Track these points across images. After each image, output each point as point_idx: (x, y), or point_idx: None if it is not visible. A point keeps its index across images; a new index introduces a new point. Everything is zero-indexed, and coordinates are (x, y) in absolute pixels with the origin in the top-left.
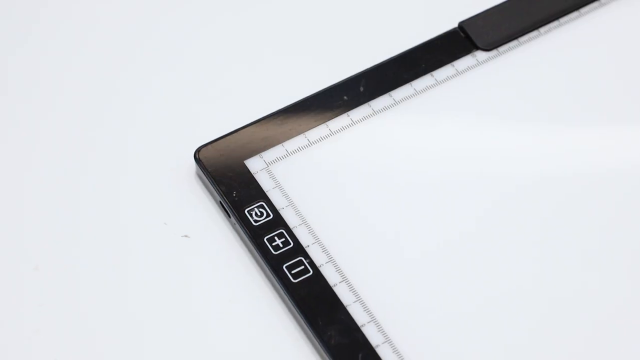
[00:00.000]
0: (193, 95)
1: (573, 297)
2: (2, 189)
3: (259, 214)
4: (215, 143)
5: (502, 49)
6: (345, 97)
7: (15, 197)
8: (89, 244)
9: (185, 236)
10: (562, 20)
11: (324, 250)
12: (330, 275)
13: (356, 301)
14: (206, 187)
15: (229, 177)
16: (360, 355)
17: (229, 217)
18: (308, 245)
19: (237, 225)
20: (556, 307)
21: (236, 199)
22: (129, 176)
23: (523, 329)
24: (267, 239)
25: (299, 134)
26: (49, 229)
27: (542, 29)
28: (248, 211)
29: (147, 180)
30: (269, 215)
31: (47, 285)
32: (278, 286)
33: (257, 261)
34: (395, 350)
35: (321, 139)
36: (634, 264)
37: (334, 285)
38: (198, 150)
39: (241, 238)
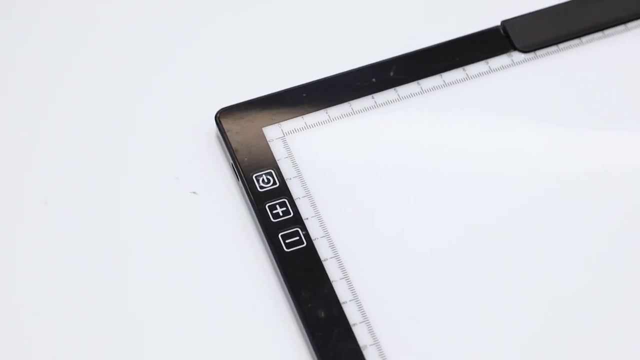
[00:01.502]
0: (224, 59)
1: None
2: (20, 128)
3: (266, 180)
4: (237, 107)
5: (539, 52)
6: (373, 79)
7: (33, 134)
8: (99, 184)
9: (193, 192)
10: (607, 32)
11: (322, 225)
12: (323, 250)
13: (342, 278)
14: (223, 149)
15: (244, 141)
16: (336, 330)
17: (238, 180)
18: (307, 218)
19: (243, 189)
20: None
21: (247, 163)
22: (151, 129)
23: (510, 330)
24: (268, 206)
25: (321, 109)
26: (59, 167)
27: (584, 38)
28: (256, 177)
29: (167, 135)
30: (275, 184)
31: (55, 220)
32: (270, 253)
33: (256, 226)
34: (371, 331)
35: (342, 116)
36: None
37: (325, 260)
38: (219, 112)
39: (246, 202)
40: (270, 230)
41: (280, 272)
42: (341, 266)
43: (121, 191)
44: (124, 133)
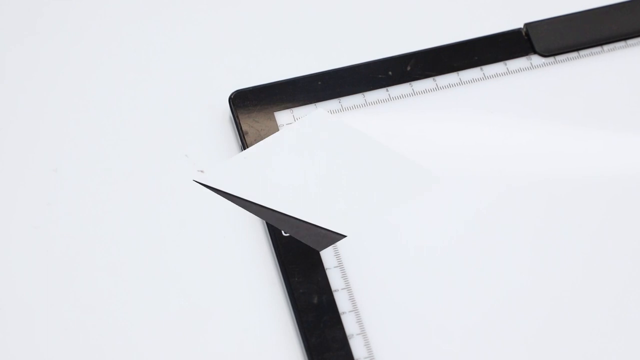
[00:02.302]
0: (243, 42)
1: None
2: (32, 100)
3: None
4: (252, 90)
5: (559, 57)
6: (390, 72)
7: (45, 107)
8: (109, 153)
9: (200, 171)
10: (630, 41)
11: None
12: None
13: (337, 266)
14: (234, 130)
15: (255, 124)
16: (324, 318)
17: None
18: None
19: None
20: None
21: None
22: (165, 106)
23: (500, 332)
24: None
25: (334, 98)
26: (70, 137)
27: (606, 47)
28: None
29: (181, 113)
30: None
31: (63, 189)
32: (268, 236)
33: None
34: (359, 321)
35: (354, 107)
36: None
37: None
38: (234, 94)
39: None
40: None
41: (276, 255)
42: (337, 254)
43: (130, 163)
44: (137, 108)
